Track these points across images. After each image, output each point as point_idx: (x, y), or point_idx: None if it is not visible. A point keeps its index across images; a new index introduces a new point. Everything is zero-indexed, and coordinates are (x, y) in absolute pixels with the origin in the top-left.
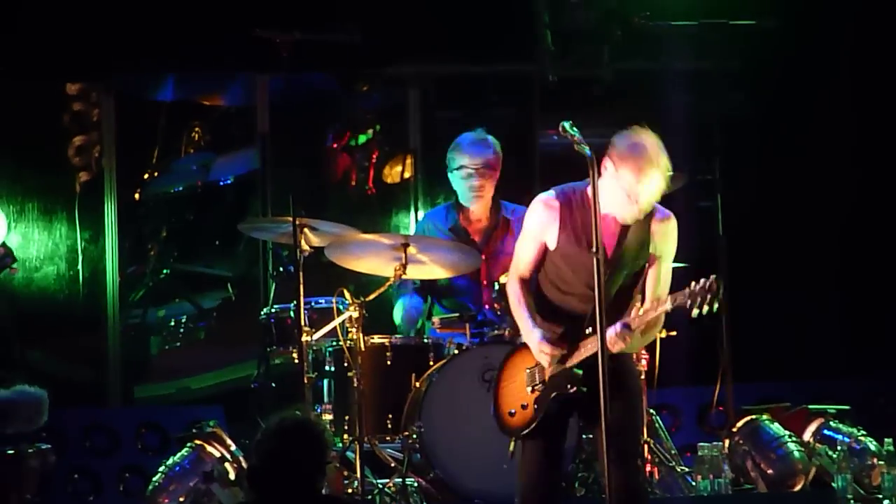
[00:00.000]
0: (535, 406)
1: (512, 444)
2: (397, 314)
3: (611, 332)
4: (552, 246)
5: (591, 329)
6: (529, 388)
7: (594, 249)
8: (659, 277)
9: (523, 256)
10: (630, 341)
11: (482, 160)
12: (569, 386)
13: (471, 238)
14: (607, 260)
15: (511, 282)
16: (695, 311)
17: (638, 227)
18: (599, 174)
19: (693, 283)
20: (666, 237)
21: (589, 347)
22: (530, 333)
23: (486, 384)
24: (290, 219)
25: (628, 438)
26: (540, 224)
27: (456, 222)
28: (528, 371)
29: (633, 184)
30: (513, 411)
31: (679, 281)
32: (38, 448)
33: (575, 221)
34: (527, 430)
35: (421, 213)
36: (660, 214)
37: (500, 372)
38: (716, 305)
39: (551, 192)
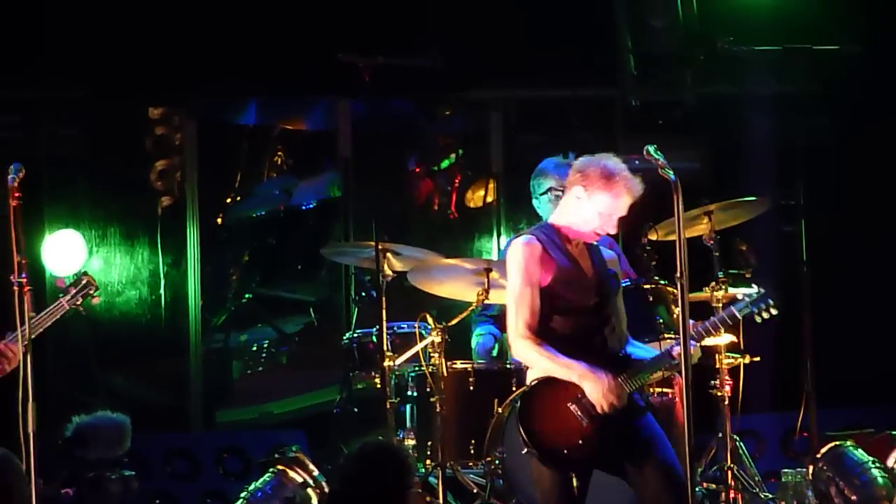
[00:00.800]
0: (600, 436)
1: (574, 479)
2: (474, 342)
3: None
4: (546, 281)
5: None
6: (585, 422)
7: (678, 275)
8: (623, 312)
9: (527, 304)
10: (698, 354)
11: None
12: (642, 404)
13: None
14: (592, 277)
15: (525, 339)
16: (758, 319)
17: (599, 255)
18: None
19: (749, 291)
20: (617, 271)
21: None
22: (596, 377)
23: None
24: (373, 243)
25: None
26: (536, 261)
27: None
28: (573, 405)
29: (609, 210)
30: (571, 446)
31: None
32: (121, 474)
33: (561, 251)
34: (595, 461)
35: (503, 238)
36: (607, 254)
37: (528, 412)
38: (773, 311)
39: (526, 236)
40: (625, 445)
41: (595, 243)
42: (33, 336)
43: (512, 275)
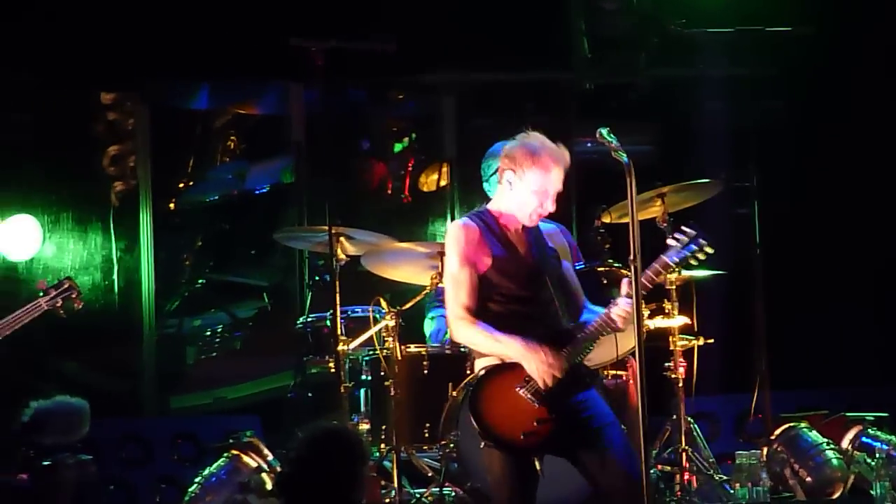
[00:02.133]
0: (554, 415)
1: (537, 464)
2: (427, 327)
3: (619, 310)
4: (484, 266)
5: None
6: (536, 403)
7: (631, 257)
8: (575, 283)
9: (464, 285)
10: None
11: None
12: (588, 379)
13: None
14: (534, 265)
15: (461, 320)
16: (693, 261)
17: (538, 235)
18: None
19: (676, 237)
20: (562, 244)
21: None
22: (521, 346)
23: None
24: (326, 228)
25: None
26: (471, 245)
27: None
28: (521, 389)
29: (540, 186)
30: (529, 431)
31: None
32: (78, 459)
33: (498, 236)
34: (555, 441)
35: None
36: (548, 228)
37: (478, 403)
38: (708, 249)
39: (464, 219)
40: (578, 430)
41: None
42: (9, 333)
43: (449, 256)
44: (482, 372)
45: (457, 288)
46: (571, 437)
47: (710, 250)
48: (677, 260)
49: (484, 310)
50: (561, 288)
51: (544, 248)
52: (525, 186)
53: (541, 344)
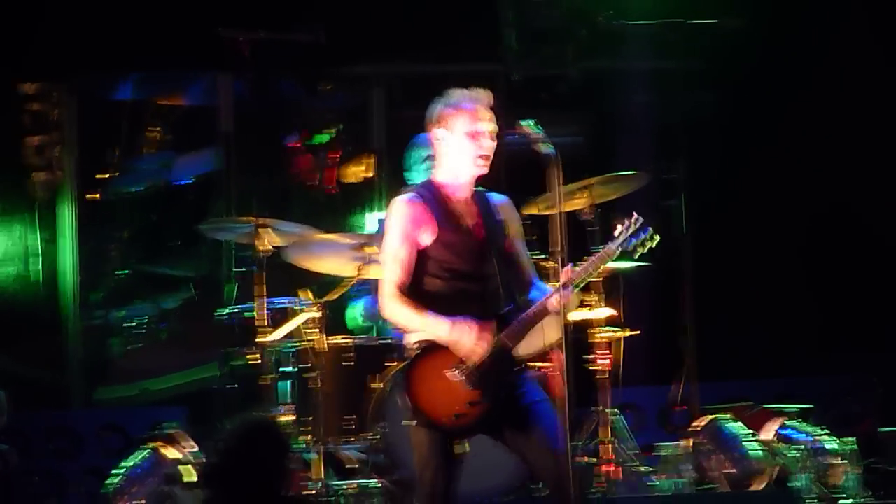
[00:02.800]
0: (486, 397)
1: (467, 445)
2: (353, 314)
3: (557, 297)
4: (428, 241)
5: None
6: (469, 386)
7: (557, 248)
8: (524, 252)
9: (401, 262)
10: (575, 300)
11: None
12: (515, 368)
13: None
14: (480, 239)
15: (391, 297)
16: (640, 251)
17: (486, 207)
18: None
19: (620, 225)
20: (512, 216)
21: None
22: (452, 327)
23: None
24: (252, 219)
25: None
26: (412, 221)
27: None
28: (454, 371)
29: (471, 127)
30: (460, 413)
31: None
32: None
33: (442, 209)
34: (485, 424)
35: (383, 214)
36: (499, 200)
37: (409, 385)
38: (655, 241)
39: (409, 193)
40: (508, 409)
41: (483, 192)
42: None
43: (390, 232)
44: (416, 353)
45: (393, 265)
46: (501, 417)
47: (655, 240)
48: (619, 249)
49: (423, 286)
50: (505, 263)
51: (492, 220)
52: (457, 136)
53: (471, 321)
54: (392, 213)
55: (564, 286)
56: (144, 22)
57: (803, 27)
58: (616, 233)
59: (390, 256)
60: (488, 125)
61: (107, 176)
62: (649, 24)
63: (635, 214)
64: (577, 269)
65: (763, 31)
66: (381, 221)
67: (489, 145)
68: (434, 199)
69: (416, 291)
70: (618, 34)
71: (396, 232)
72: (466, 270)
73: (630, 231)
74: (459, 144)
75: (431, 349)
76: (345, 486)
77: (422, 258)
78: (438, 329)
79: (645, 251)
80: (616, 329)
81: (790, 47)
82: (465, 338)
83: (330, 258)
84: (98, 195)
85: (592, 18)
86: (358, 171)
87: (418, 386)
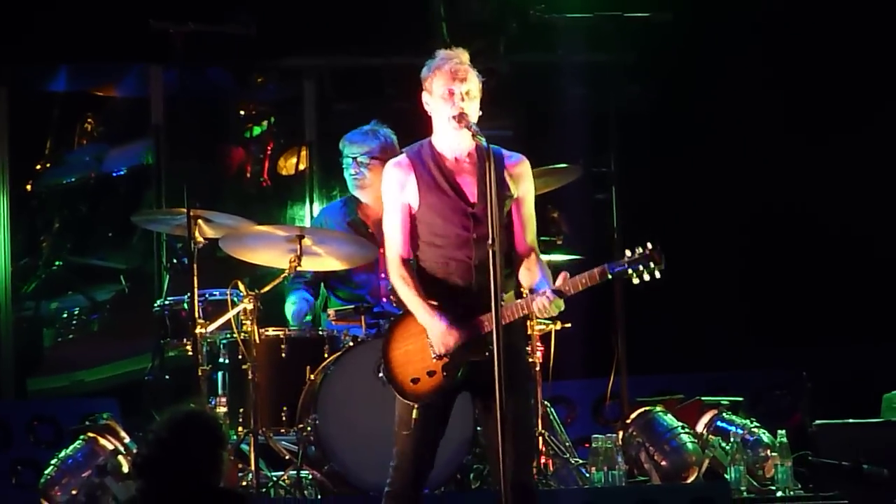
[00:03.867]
0: (445, 373)
1: (415, 411)
2: (287, 309)
3: (542, 300)
4: (416, 203)
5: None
6: (434, 355)
7: (490, 242)
8: (526, 220)
9: (395, 229)
10: (560, 307)
11: (365, 149)
12: (486, 353)
13: (369, 231)
14: (473, 202)
15: (394, 269)
16: (636, 280)
17: (489, 167)
18: (432, 130)
19: (630, 251)
20: (523, 177)
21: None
22: (432, 320)
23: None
24: (185, 210)
25: (523, 439)
26: (398, 185)
27: (354, 216)
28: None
29: (453, 86)
30: (417, 378)
31: (576, 275)
32: None
33: (430, 170)
34: (435, 397)
35: (316, 206)
36: (513, 159)
37: (390, 336)
38: (658, 273)
39: (400, 156)
40: (474, 384)
41: (495, 150)
42: None
43: (383, 199)
44: (400, 314)
45: (390, 232)
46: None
47: (658, 273)
48: (617, 272)
49: (416, 254)
50: (504, 228)
51: (493, 182)
52: (436, 98)
53: (449, 309)
54: (383, 178)
55: (557, 293)
56: (76, 13)
57: (732, 20)
58: (625, 257)
59: (386, 224)
60: (461, 85)
61: (38, 167)
62: (580, 17)
63: (649, 244)
64: (574, 279)
65: (694, 25)
66: (320, 212)
67: (461, 105)
68: (424, 160)
69: (414, 262)
70: (549, 27)
71: (386, 197)
72: (455, 236)
73: (637, 258)
74: (439, 108)
75: None
76: (277, 478)
77: (413, 224)
78: (418, 312)
79: (647, 280)
80: (548, 322)
81: (720, 40)
82: (437, 328)
83: (264, 250)
84: (30, 187)
85: (524, 11)
86: (290, 164)
87: (396, 342)
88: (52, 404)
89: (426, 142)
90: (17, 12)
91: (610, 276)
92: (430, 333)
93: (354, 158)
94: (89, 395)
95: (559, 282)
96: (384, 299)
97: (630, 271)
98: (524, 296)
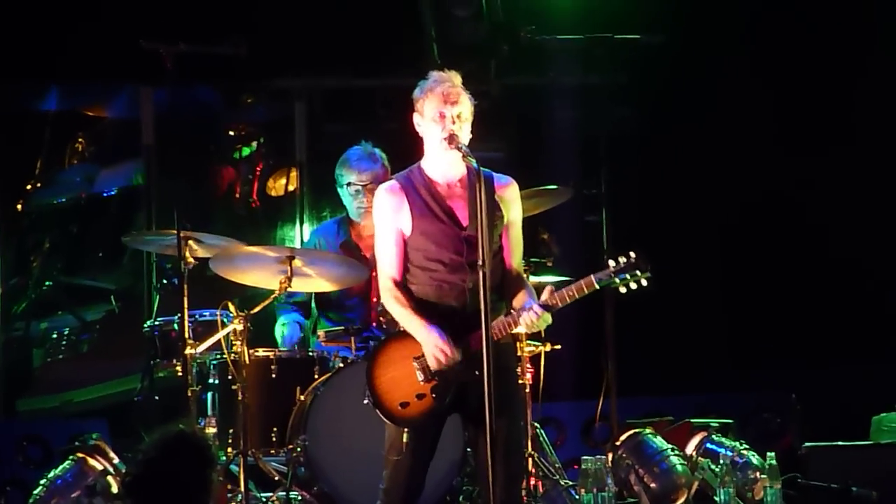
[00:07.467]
0: (434, 395)
1: (405, 436)
2: (277, 331)
3: (530, 315)
4: (408, 230)
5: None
6: (422, 379)
7: (480, 263)
8: (514, 244)
9: (388, 254)
10: (548, 321)
11: (370, 175)
12: (476, 373)
13: (362, 254)
14: (464, 227)
15: (386, 291)
16: (623, 289)
17: (480, 191)
18: (422, 153)
19: (614, 261)
20: (513, 201)
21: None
22: (428, 334)
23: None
24: (175, 231)
25: (513, 460)
26: (392, 211)
27: (347, 238)
28: (417, 360)
29: (444, 108)
30: (406, 402)
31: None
32: None
33: (422, 197)
34: (426, 420)
35: (307, 227)
36: (502, 181)
37: (374, 361)
38: (645, 281)
39: (391, 180)
40: (464, 406)
41: (485, 173)
42: None
43: (376, 224)
44: (392, 333)
45: (383, 256)
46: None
47: (645, 282)
48: (604, 282)
49: (409, 278)
50: (494, 252)
51: (483, 206)
52: (428, 120)
53: (442, 329)
54: (374, 203)
55: (544, 307)
56: (67, 33)
57: (724, 43)
58: (610, 267)
59: (379, 248)
60: (452, 108)
61: (29, 187)
62: (572, 39)
63: (632, 253)
64: (561, 292)
65: (685, 47)
66: (312, 233)
67: (451, 127)
68: (416, 186)
69: (406, 284)
70: (540, 49)
71: (379, 222)
72: (449, 260)
73: (623, 267)
74: (428, 128)
75: (403, 334)
76: (267, 499)
77: (406, 249)
78: (413, 327)
79: (634, 288)
80: (538, 344)
81: (711, 63)
82: (433, 343)
83: (254, 271)
84: (20, 206)
85: (515, 33)
86: (280, 185)
87: (380, 367)
88: (42, 424)
89: (416, 167)
90: (8, 31)
91: (597, 287)
92: (424, 348)
93: (364, 186)
94: (79, 415)
95: (545, 296)
96: (374, 324)
97: (617, 280)
98: (511, 313)
